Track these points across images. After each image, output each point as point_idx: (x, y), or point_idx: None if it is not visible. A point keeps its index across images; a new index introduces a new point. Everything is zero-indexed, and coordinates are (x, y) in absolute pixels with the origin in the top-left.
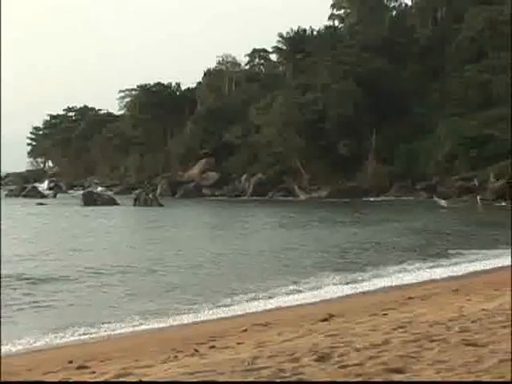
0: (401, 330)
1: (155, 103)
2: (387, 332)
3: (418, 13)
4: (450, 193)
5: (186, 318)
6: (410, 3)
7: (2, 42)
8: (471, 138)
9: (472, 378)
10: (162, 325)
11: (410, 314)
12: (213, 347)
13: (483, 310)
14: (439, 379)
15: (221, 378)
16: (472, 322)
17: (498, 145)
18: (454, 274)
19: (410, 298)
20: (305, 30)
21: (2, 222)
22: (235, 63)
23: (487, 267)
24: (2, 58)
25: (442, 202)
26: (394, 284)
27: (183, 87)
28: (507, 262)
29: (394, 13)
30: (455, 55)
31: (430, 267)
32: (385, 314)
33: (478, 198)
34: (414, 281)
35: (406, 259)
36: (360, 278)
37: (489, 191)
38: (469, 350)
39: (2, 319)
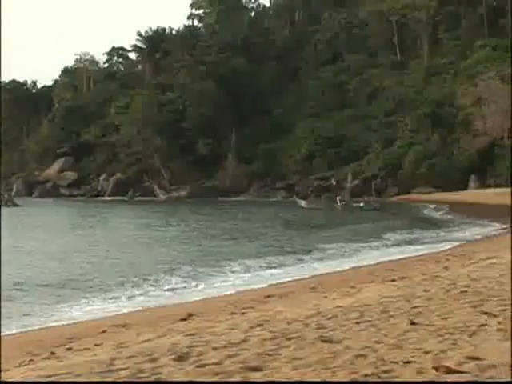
0: (259, 328)
1: (10, 101)
2: (246, 330)
3: (275, 14)
4: (309, 192)
5: (43, 322)
6: (268, 4)
7: None
8: (328, 138)
9: (328, 374)
10: (18, 330)
11: (269, 312)
12: (70, 349)
13: (338, 306)
14: (296, 376)
15: (78, 380)
16: (328, 318)
17: (353, 145)
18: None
19: (268, 296)
20: (164, 29)
21: None
22: (94, 61)
23: (343, 266)
24: None
25: (302, 203)
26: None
27: (40, 85)
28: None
29: (253, 13)
30: (312, 57)
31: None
32: (243, 313)
33: (338, 198)
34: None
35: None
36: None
37: (346, 190)
38: (325, 347)
39: None
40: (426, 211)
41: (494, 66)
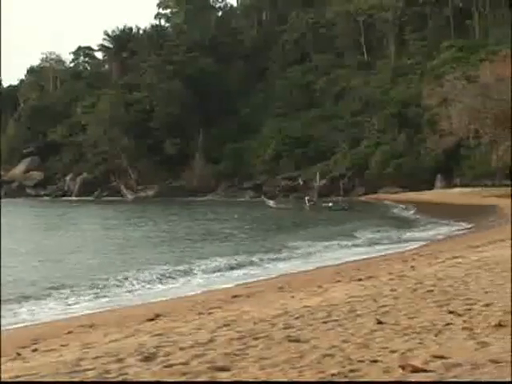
0: (226, 328)
1: None
2: (213, 330)
3: (243, 14)
4: (276, 192)
5: (8, 323)
6: (235, 4)
7: None
8: (295, 137)
9: (295, 374)
10: None
11: (236, 312)
12: (36, 350)
13: (306, 306)
14: (264, 376)
15: (45, 381)
16: (295, 318)
17: (320, 144)
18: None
19: (235, 296)
20: (131, 29)
21: None
22: (60, 60)
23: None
24: None
25: (271, 203)
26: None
27: (5, 84)
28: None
29: (220, 13)
30: (280, 56)
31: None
32: (211, 313)
33: (306, 198)
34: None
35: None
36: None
37: (314, 190)
38: (292, 346)
39: None
40: (394, 211)
41: (459, 66)
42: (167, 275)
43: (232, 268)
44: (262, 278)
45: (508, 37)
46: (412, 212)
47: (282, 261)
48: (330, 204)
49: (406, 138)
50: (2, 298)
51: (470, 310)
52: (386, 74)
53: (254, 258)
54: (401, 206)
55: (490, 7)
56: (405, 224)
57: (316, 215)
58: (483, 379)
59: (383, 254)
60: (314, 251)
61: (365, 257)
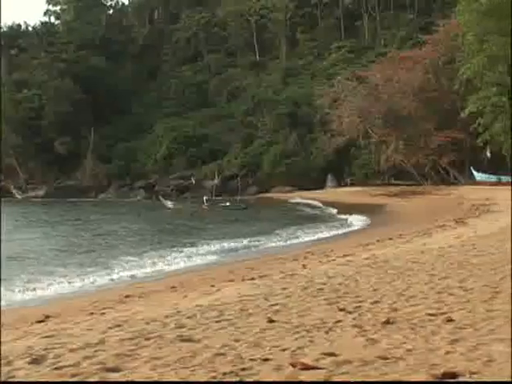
0: (117, 328)
1: None
2: (104, 331)
3: (134, 12)
4: (169, 191)
5: None
6: (126, 2)
7: None
8: (188, 137)
9: (187, 373)
10: None
11: (127, 312)
12: None
13: (198, 305)
14: (155, 376)
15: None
16: (187, 317)
17: (213, 144)
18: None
19: (127, 296)
20: (19, 25)
21: None
22: None
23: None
24: None
25: (168, 203)
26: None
27: None
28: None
29: (111, 11)
30: (172, 55)
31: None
32: (102, 314)
33: (205, 197)
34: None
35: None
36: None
37: (209, 190)
38: (184, 346)
39: None
40: (287, 210)
41: (350, 67)
42: (58, 275)
43: (126, 268)
44: (155, 277)
45: (395, 38)
46: (308, 211)
47: (177, 260)
48: (228, 203)
49: (298, 137)
50: None
51: (359, 307)
52: (277, 74)
53: (150, 258)
54: (294, 201)
55: (378, 10)
56: (298, 222)
57: (215, 215)
58: (372, 375)
59: (276, 252)
60: (207, 251)
61: (258, 255)
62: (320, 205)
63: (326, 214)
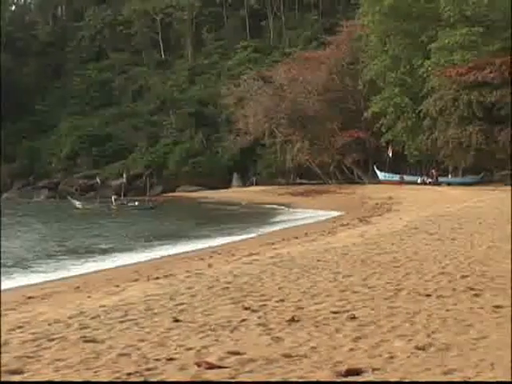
0: (19, 330)
1: None
2: (5, 333)
3: (38, 9)
4: (74, 191)
5: None
6: None
7: None
8: (92, 136)
9: (90, 374)
10: None
11: (30, 313)
12: None
13: (102, 306)
14: (58, 377)
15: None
16: (91, 318)
17: (118, 143)
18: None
19: (30, 297)
20: None
21: None
22: None
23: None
24: None
25: (77, 203)
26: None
27: None
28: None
29: (14, 8)
30: (76, 53)
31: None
32: (4, 315)
33: (113, 197)
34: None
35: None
36: None
37: (112, 189)
38: (87, 347)
39: None
40: (198, 210)
41: (255, 66)
42: None
43: (27, 271)
44: (60, 277)
45: (300, 38)
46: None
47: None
48: (136, 203)
49: (204, 137)
50: None
51: (264, 305)
52: (183, 73)
53: (56, 259)
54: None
55: (283, 10)
56: (209, 223)
57: (126, 214)
58: (277, 373)
59: (182, 251)
60: (115, 253)
61: (164, 255)
62: (224, 205)
63: (234, 213)
